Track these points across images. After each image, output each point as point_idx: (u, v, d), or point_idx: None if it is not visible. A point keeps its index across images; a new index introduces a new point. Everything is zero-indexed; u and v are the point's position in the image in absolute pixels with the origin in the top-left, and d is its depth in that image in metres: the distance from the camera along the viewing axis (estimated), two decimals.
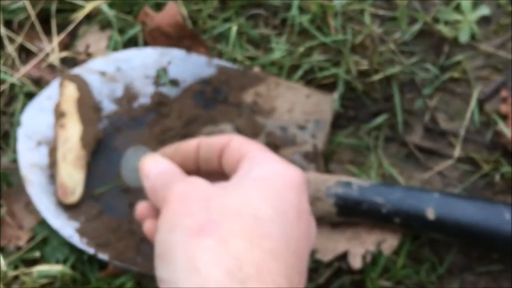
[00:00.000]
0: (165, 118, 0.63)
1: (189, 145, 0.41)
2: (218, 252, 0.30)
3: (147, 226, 0.41)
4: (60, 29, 0.68)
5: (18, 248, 0.58)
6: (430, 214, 0.54)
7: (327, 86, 0.66)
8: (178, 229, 0.32)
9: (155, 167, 0.39)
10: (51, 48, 0.66)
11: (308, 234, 0.35)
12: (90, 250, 0.57)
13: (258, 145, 0.38)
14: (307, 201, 0.36)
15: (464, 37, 0.67)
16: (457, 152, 0.63)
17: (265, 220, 0.32)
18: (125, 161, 0.54)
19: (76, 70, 0.64)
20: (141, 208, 0.42)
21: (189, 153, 0.40)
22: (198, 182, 0.35)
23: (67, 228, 0.57)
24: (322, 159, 0.63)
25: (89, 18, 0.69)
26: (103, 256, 0.57)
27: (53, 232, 0.58)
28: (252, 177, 0.35)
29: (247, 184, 0.34)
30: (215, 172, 0.39)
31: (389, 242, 0.57)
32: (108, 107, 0.63)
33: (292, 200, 0.34)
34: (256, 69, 0.66)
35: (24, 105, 0.63)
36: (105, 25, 0.69)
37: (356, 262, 0.56)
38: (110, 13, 0.67)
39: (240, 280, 0.29)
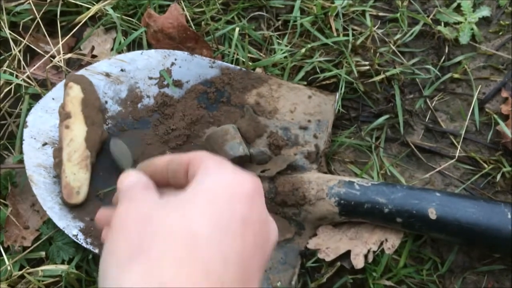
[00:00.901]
0: (169, 118, 0.64)
1: (161, 160, 0.41)
2: (144, 279, 0.31)
3: (104, 234, 0.41)
4: (65, 32, 0.69)
5: (24, 248, 0.58)
6: (432, 213, 0.55)
7: (329, 87, 0.66)
8: (113, 256, 0.33)
9: (124, 180, 0.40)
10: (56, 50, 0.67)
11: (258, 243, 0.35)
12: (95, 250, 0.57)
13: (217, 158, 0.38)
14: (260, 208, 0.36)
15: (464, 38, 0.68)
16: (458, 152, 0.63)
17: (201, 239, 0.32)
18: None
19: (81, 72, 0.64)
20: (100, 214, 0.42)
21: (159, 167, 0.41)
22: (142, 198, 0.36)
23: (72, 227, 0.58)
24: (324, 159, 0.63)
25: (93, 20, 0.70)
26: None
27: (59, 232, 0.59)
28: (199, 190, 0.35)
29: (192, 199, 0.34)
30: (184, 186, 0.39)
31: (391, 242, 0.57)
32: (113, 108, 0.64)
33: (237, 212, 0.34)
34: (259, 70, 0.67)
35: (29, 107, 0.64)
36: (110, 27, 0.70)
37: (358, 262, 0.56)
38: (114, 15, 0.68)
39: None
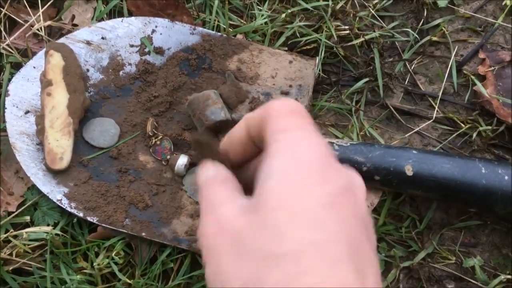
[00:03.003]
0: (151, 86, 0.65)
1: (238, 126, 0.35)
2: None
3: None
4: (45, 3, 0.69)
5: (9, 214, 0.59)
6: (409, 170, 0.56)
7: (309, 52, 0.67)
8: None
9: (201, 175, 0.34)
10: (36, 18, 0.67)
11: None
12: (79, 214, 0.58)
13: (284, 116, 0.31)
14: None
15: (443, 1, 0.68)
16: (435, 112, 0.64)
17: (308, 254, 0.26)
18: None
19: (62, 40, 0.64)
20: None
21: (238, 134, 0.35)
22: (226, 217, 0.30)
23: (56, 193, 0.59)
24: None
25: None
26: (92, 219, 0.58)
27: (43, 198, 0.60)
28: (270, 197, 0.28)
29: (270, 214, 0.28)
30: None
31: (370, 200, 0.59)
32: (95, 76, 0.64)
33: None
34: (239, 36, 0.67)
35: (10, 76, 0.64)
36: None
37: None
38: None
39: None
